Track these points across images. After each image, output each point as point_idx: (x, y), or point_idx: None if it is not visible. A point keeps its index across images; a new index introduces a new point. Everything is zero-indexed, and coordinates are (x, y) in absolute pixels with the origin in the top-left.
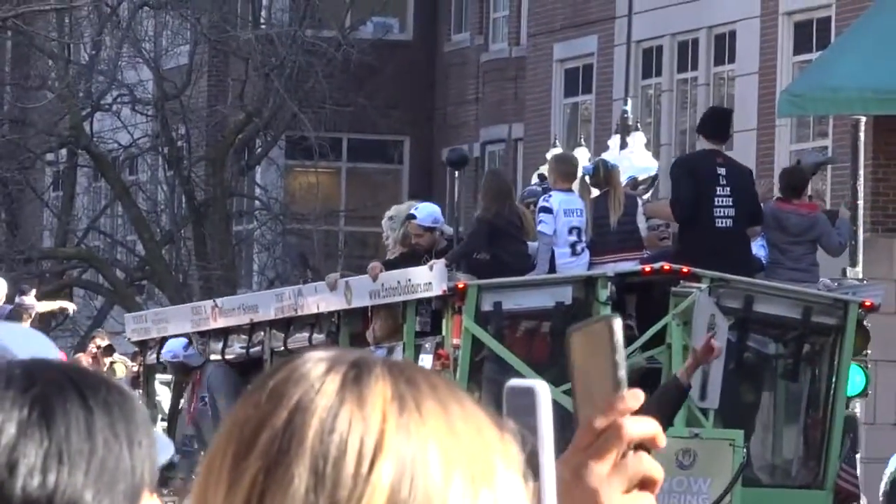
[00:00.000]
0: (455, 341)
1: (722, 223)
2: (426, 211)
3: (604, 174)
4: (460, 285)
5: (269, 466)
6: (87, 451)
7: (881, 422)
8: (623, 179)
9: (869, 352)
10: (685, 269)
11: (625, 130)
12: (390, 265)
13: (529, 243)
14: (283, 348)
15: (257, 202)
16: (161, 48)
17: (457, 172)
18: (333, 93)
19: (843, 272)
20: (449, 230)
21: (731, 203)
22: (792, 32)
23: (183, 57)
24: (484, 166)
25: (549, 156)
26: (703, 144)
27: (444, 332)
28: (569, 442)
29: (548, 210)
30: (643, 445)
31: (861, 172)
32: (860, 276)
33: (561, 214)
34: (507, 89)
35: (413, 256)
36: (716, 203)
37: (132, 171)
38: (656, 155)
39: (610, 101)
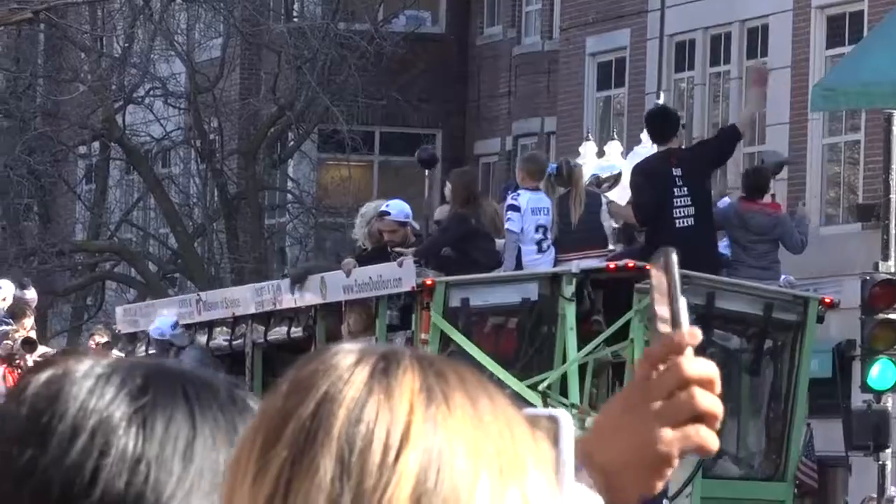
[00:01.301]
0: (424, 336)
1: (682, 223)
2: (398, 207)
3: (567, 173)
4: (428, 282)
5: (296, 456)
6: (179, 469)
7: None
8: (587, 177)
9: None
10: (649, 267)
11: None
12: (362, 261)
13: (497, 240)
14: (263, 341)
15: (289, 195)
16: (193, 41)
17: (427, 171)
18: (366, 86)
19: (875, 266)
20: (416, 227)
21: (689, 202)
22: (824, 26)
23: (215, 50)
24: (516, 160)
25: (581, 149)
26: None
27: (413, 328)
28: None
29: (516, 208)
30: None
31: (893, 166)
32: (892, 269)
33: (529, 213)
34: (539, 83)
35: (384, 252)
36: (675, 204)
37: (164, 164)
38: None
39: (642, 94)
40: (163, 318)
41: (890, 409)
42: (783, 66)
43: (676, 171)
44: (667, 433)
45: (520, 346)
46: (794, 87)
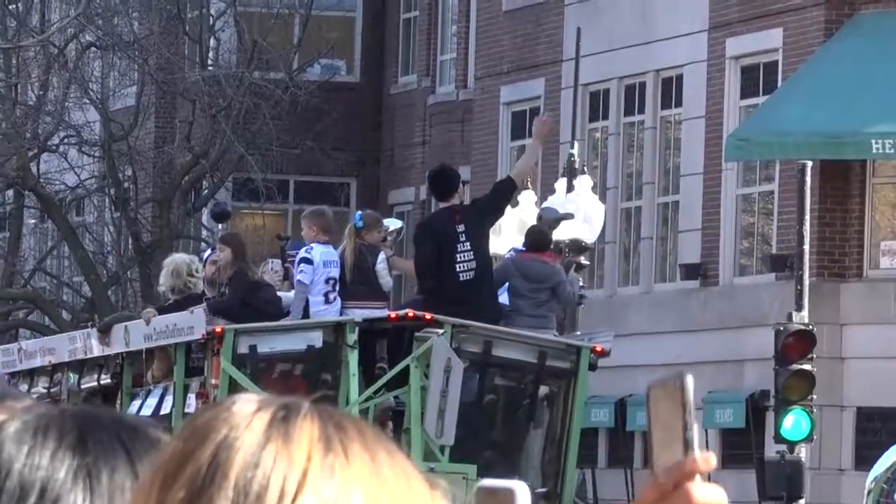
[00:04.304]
0: (214, 382)
1: (465, 276)
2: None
3: (348, 229)
4: (217, 329)
5: (192, 498)
6: None
7: (826, 466)
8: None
9: (815, 396)
10: (428, 317)
11: (571, 174)
12: (164, 311)
13: (283, 294)
14: (77, 389)
15: (203, 244)
16: (108, 89)
17: (219, 225)
18: (280, 135)
19: (789, 317)
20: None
21: (472, 257)
22: (739, 77)
23: (130, 98)
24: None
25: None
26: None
27: (205, 373)
28: None
29: (309, 261)
30: None
31: (807, 217)
32: (805, 320)
33: (321, 266)
34: (454, 132)
35: (185, 302)
36: (457, 259)
37: (79, 213)
38: (603, 198)
39: (557, 144)
40: None
41: (804, 459)
42: (697, 116)
43: (460, 227)
44: None
45: (306, 392)
46: (708, 137)
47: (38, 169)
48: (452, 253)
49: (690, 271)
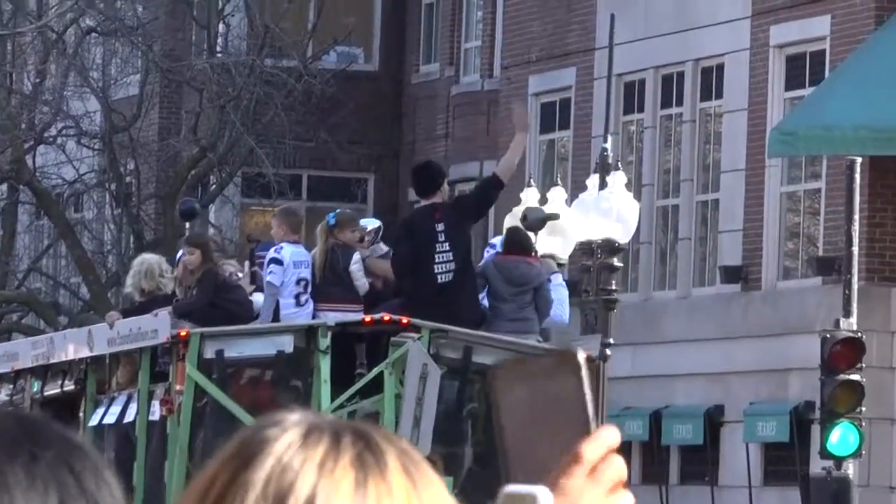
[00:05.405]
0: (179, 388)
1: (444, 278)
2: None
3: (320, 228)
4: (182, 333)
5: None
6: None
7: (876, 484)
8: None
9: (863, 409)
10: (405, 321)
11: (604, 169)
12: (133, 313)
13: (254, 296)
14: (40, 396)
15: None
16: (110, 77)
17: (187, 224)
18: (293, 127)
19: (836, 323)
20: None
21: (451, 258)
22: (784, 66)
23: (133, 87)
24: None
25: (523, 196)
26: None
27: (170, 379)
28: None
29: (278, 262)
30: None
31: (855, 217)
32: (854, 327)
33: (291, 266)
34: (478, 124)
35: (151, 304)
36: (436, 260)
37: (77, 209)
38: (638, 196)
39: (589, 137)
40: None
41: (851, 476)
42: (739, 109)
43: (440, 227)
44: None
45: (275, 398)
46: (750, 130)
47: (34, 162)
48: (431, 253)
49: (731, 274)
